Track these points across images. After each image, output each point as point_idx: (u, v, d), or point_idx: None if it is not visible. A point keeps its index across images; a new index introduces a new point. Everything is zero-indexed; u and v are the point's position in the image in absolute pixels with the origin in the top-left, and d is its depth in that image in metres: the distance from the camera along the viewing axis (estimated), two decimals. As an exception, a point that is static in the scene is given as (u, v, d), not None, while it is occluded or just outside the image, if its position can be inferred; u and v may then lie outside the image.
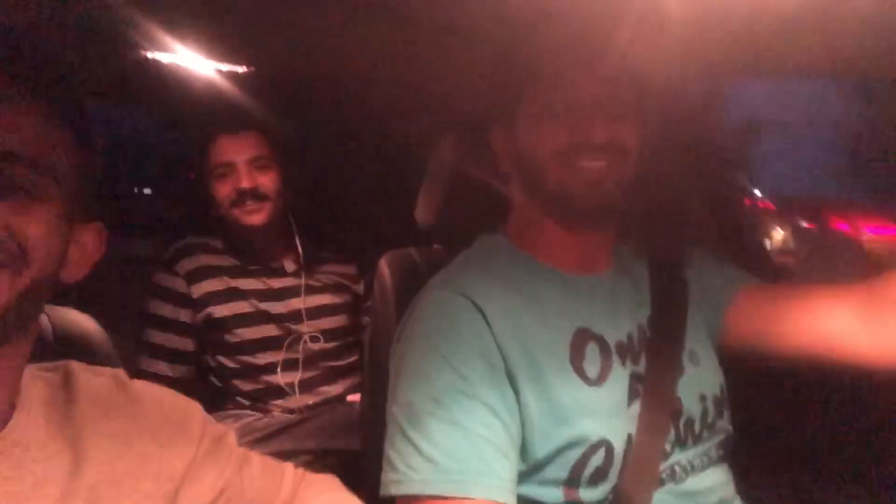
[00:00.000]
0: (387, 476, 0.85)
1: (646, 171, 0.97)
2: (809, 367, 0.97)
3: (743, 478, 1.01)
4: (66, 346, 0.88)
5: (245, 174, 1.60)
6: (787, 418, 1.24)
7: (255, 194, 1.61)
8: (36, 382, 0.68)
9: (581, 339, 0.93)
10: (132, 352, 1.61)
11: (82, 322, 0.93)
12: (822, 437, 1.22)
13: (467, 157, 1.16)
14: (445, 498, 0.80)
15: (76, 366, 0.73)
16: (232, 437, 0.82)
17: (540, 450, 0.86)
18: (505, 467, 0.83)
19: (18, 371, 0.66)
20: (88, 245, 0.70)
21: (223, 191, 1.61)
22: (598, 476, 0.87)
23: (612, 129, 0.91)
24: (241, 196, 1.60)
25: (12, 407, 0.64)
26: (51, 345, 0.87)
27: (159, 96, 1.70)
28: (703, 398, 0.98)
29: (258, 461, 0.85)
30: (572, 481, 0.87)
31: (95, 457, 0.67)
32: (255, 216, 1.61)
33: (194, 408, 0.79)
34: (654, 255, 1.09)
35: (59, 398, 0.69)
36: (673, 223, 1.18)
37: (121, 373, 0.76)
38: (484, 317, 0.89)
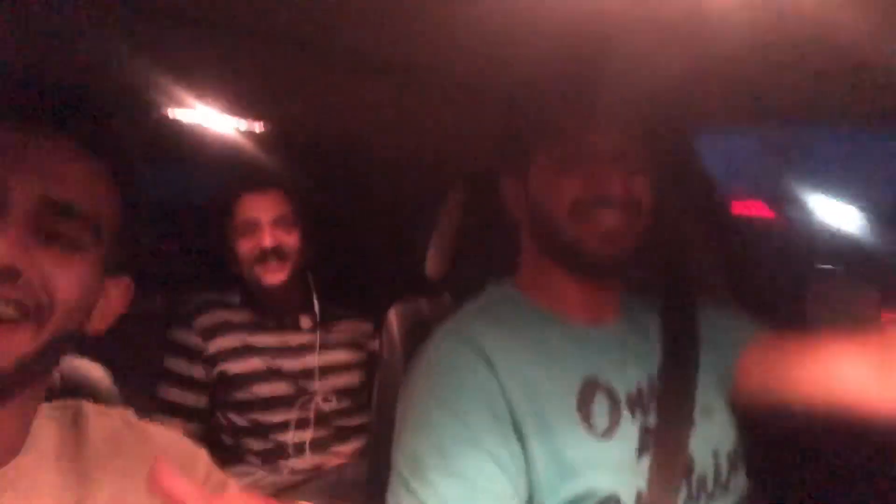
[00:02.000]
0: None
1: (655, 223, 0.97)
2: (824, 418, 0.94)
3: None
4: (72, 394, 0.88)
5: (269, 232, 1.61)
6: (806, 471, 1.19)
7: (278, 253, 1.61)
8: (46, 420, 0.69)
9: (589, 390, 0.91)
10: (147, 408, 1.61)
11: (89, 370, 0.94)
12: (843, 490, 1.17)
13: (476, 209, 1.17)
14: None
15: (86, 405, 0.73)
16: (234, 485, 0.81)
17: None
18: None
19: (31, 413, 0.67)
20: (115, 299, 0.71)
21: (246, 248, 1.63)
22: None
23: (626, 183, 0.90)
24: (264, 254, 1.61)
25: (20, 443, 0.65)
26: (56, 391, 0.87)
27: (181, 153, 1.75)
28: (716, 454, 0.94)
29: None
30: None
31: (103, 491, 0.67)
32: (277, 275, 1.62)
33: (199, 452, 0.78)
34: (665, 306, 1.07)
35: (68, 435, 0.69)
36: (681, 274, 1.16)
37: (129, 413, 0.76)
38: (490, 367, 0.87)
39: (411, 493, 0.81)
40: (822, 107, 1.10)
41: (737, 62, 0.92)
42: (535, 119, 0.97)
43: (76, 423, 0.71)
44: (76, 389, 0.89)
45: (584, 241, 0.91)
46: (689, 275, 1.23)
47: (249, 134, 1.55)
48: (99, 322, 0.69)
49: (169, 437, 0.77)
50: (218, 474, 0.79)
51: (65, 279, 0.62)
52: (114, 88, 1.19)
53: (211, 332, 1.64)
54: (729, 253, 1.31)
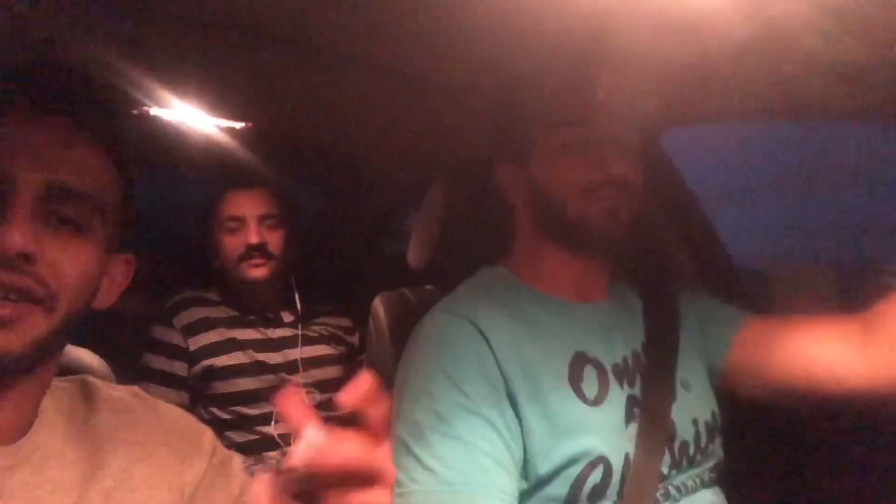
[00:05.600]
0: None
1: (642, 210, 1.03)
2: (810, 397, 1.00)
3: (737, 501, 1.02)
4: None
5: (254, 230, 1.63)
6: (781, 445, 1.25)
7: (263, 251, 1.64)
8: (55, 393, 0.70)
9: (579, 362, 0.96)
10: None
11: (84, 357, 0.95)
12: (816, 465, 1.23)
13: (461, 198, 1.20)
14: None
15: (92, 379, 0.75)
16: (238, 461, 0.84)
17: (541, 466, 0.88)
18: (505, 480, 0.85)
19: (43, 390, 0.68)
20: (118, 275, 0.72)
21: (231, 245, 1.65)
22: (597, 494, 0.89)
23: (624, 165, 0.98)
24: (249, 251, 1.63)
25: (34, 417, 0.67)
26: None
27: (166, 153, 1.75)
28: (695, 422, 1.00)
29: None
30: (572, 498, 0.88)
31: (113, 463, 0.68)
32: (259, 270, 1.64)
33: (204, 427, 0.80)
34: (647, 285, 1.13)
35: (78, 408, 0.71)
36: (663, 255, 1.21)
37: (137, 388, 0.78)
38: (486, 339, 0.93)
39: (412, 455, 0.86)
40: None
41: (727, 58, 0.97)
42: (539, 108, 1.03)
43: (84, 396, 0.72)
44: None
45: (591, 219, 0.98)
46: (667, 263, 1.28)
47: (235, 132, 1.56)
48: (105, 298, 0.71)
49: (177, 413, 0.79)
50: (222, 450, 0.81)
51: (73, 262, 0.63)
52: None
53: (193, 329, 1.65)
54: (698, 243, 1.37)
